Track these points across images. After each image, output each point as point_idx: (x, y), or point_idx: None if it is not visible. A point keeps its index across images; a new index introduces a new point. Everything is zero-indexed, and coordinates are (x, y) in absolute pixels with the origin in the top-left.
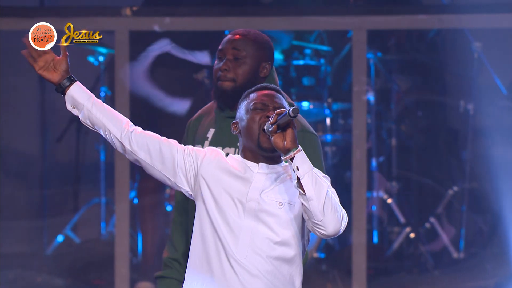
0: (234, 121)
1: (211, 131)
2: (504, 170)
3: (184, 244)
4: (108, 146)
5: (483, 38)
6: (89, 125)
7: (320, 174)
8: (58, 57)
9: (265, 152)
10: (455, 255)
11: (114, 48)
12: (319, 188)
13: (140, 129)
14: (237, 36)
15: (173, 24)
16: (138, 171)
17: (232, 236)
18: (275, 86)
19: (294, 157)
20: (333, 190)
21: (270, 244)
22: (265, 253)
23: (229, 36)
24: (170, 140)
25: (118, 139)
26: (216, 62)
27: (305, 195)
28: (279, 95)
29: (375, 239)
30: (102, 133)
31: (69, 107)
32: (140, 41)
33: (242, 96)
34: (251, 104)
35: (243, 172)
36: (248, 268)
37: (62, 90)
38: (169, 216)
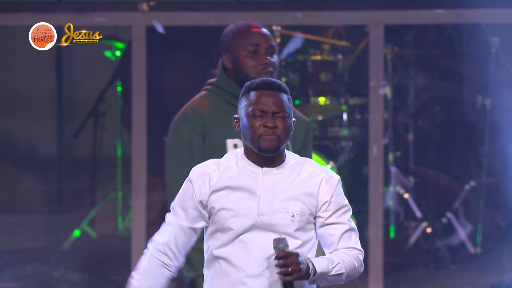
0: (236, 115)
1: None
2: None
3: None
4: (125, 141)
5: (500, 32)
6: None
7: (339, 268)
8: None
9: (266, 154)
10: (472, 250)
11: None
12: (337, 280)
13: (159, 247)
14: (262, 29)
15: (190, 19)
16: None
17: (245, 253)
18: (275, 81)
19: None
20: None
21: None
22: (274, 262)
23: (255, 30)
24: (175, 220)
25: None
26: (243, 55)
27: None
28: (280, 94)
29: (392, 234)
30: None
31: None
32: (157, 36)
33: (243, 88)
34: (250, 108)
35: (248, 182)
36: (261, 282)
37: None
38: None
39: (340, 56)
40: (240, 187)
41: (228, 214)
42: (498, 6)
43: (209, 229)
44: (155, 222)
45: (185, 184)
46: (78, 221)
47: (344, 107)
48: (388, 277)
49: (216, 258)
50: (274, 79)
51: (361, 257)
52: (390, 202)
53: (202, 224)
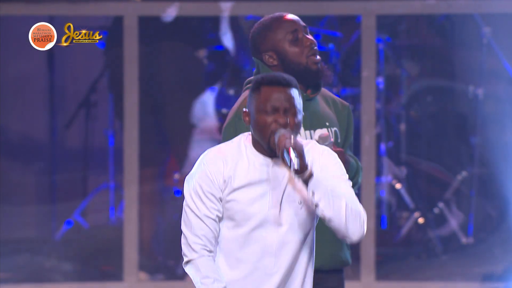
0: (245, 109)
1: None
2: None
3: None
4: (117, 132)
5: (492, 23)
6: None
7: (338, 184)
8: None
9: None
10: (463, 240)
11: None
12: (338, 207)
13: (202, 243)
14: (294, 18)
15: (182, 10)
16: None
17: (256, 248)
18: (286, 77)
19: (308, 179)
20: (351, 190)
21: (295, 245)
22: (288, 255)
23: (286, 17)
24: (208, 218)
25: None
26: (287, 46)
27: (325, 217)
28: (291, 90)
29: (384, 225)
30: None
31: None
32: (149, 26)
33: (252, 84)
34: (261, 105)
35: (257, 174)
36: (274, 275)
37: None
38: (177, 201)
39: (332, 46)
40: (249, 183)
41: (238, 207)
42: None
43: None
44: (147, 212)
45: (203, 176)
46: (70, 212)
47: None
48: (380, 268)
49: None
50: (284, 75)
51: (363, 215)
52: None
53: (221, 211)
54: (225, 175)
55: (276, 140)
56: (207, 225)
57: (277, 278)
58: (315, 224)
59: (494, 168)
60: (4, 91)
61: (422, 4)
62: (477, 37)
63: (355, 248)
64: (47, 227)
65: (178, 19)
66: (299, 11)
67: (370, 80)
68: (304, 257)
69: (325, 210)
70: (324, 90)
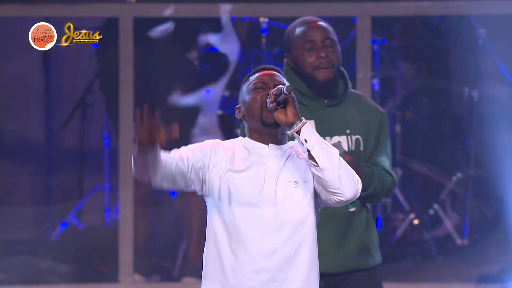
0: (237, 106)
1: (310, 123)
2: (508, 157)
3: None
4: (112, 133)
5: (487, 24)
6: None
7: (329, 144)
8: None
9: (270, 128)
10: (459, 241)
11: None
12: (331, 157)
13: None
14: (317, 24)
15: (177, 11)
16: None
17: (254, 228)
18: (273, 66)
19: (300, 130)
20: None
21: (293, 226)
22: (289, 235)
23: (307, 27)
24: (180, 150)
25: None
26: (300, 53)
27: (318, 166)
28: (278, 74)
29: (379, 226)
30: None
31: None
32: (144, 27)
33: (243, 80)
34: (251, 84)
35: (254, 157)
36: (272, 259)
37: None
38: (172, 202)
39: None
40: (247, 166)
41: (236, 188)
42: None
43: (214, 203)
44: (142, 214)
45: (205, 144)
46: (65, 213)
47: None
48: None
49: (224, 233)
50: (271, 66)
51: (357, 177)
52: None
53: (190, 179)
54: (227, 154)
55: (268, 101)
56: (181, 154)
57: (276, 259)
58: (317, 213)
59: (489, 169)
60: (0, 92)
61: (417, 6)
62: (472, 38)
63: None
64: (43, 228)
65: (173, 21)
66: (294, 12)
67: (365, 81)
68: (306, 242)
69: (318, 157)
70: (359, 96)
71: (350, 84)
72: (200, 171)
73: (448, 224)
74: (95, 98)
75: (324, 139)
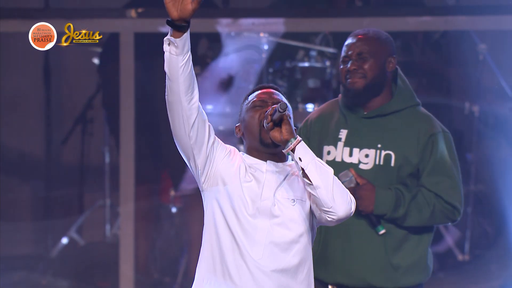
0: (237, 124)
1: (343, 132)
2: (509, 172)
3: None
4: (112, 148)
5: (488, 39)
6: (178, 64)
7: (324, 163)
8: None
9: (268, 148)
10: (460, 257)
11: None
12: (325, 175)
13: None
14: (360, 36)
15: None
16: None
17: (247, 236)
18: (273, 84)
19: (295, 148)
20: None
21: (286, 243)
22: (280, 251)
23: (349, 40)
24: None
25: (189, 93)
26: (341, 66)
27: (312, 184)
28: (277, 92)
29: None
30: (178, 73)
31: (167, 43)
32: (145, 43)
33: (243, 99)
34: (250, 103)
35: (253, 171)
36: (262, 267)
37: (175, 27)
38: (173, 218)
39: (328, 63)
40: (249, 174)
41: (234, 197)
42: (486, 13)
43: (213, 203)
44: (143, 229)
45: (227, 146)
46: (66, 228)
47: None
48: None
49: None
50: (270, 84)
51: (351, 196)
52: None
53: (203, 154)
54: (237, 161)
55: (264, 121)
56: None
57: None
58: (313, 233)
59: (490, 184)
60: (1, 107)
61: (418, 21)
62: (473, 54)
63: None
64: (43, 243)
65: None
66: (296, 28)
67: None
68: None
69: (311, 175)
70: (418, 114)
71: (403, 99)
72: (209, 153)
73: (449, 240)
74: (95, 113)
75: (352, 150)
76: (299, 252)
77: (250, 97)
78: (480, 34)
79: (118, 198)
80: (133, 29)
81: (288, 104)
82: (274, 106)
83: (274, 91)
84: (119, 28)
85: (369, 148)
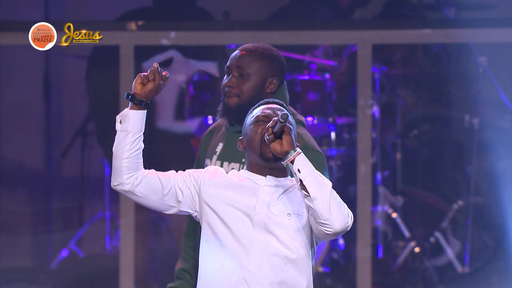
0: (240, 137)
1: (220, 146)
2: (509, 184)
3: (194, 256)
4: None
5: (488, 52)
6: (127, 141)
7: (323, 176)
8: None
9: (268, 162)
10: (460, 269)
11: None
12: (323, 188)
13: (151, 172)
14: (243, 52)
15: (178, 39)
16: None
17: (243, 250)
18: (278, 100)
19: (294, 160)
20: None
21: (281, 256)
22: (276, 264)
23: (235, 52)
24: (168, 172)
25: (129, 174)
26: (224, 77)
27: (310, 196)
28: (282, 107)
29: (380, 254)
30: (123, 153)
31: (118, 121)
32: (145, 55)
33: (247, 114)
34: (254, 117)
35: (251, 184)
36: (260, 280)
37: (137, 102)
38: (173, 231)
39: (327, 76)
40: (240, 186)
41: (224, 206)
42: (486, 26)
43: (206, 230)
44: (143, 241)
45: (198, 171)
46: (66, 241)
47: (332, 127)
48: None
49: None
50: (275, 100)
51: (348, 210)
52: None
53: (180, 202)
54: (223, 178)
55: (266, 134)
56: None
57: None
58: (313, 249)
59: (490, 197)
60: (1, 120)
61: (418, 34)
62: (473, 66)
63: (352, 277)
64: (43, 256)
65: (174, 49)
66: (295, 40)
67: (366, 109)
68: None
69: (309, 187)
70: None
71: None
72: (189, 198)
73: (449, 252)
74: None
75: (222, 164)
76: (296, 265)
77: (254, 112)
78: (480, 47)
79: (118, 210)
80: (133, 41)
81: (290, 115)
82: (275, 118)
83: (278, 106)
84: (119, 41)
85: (235, 162)
